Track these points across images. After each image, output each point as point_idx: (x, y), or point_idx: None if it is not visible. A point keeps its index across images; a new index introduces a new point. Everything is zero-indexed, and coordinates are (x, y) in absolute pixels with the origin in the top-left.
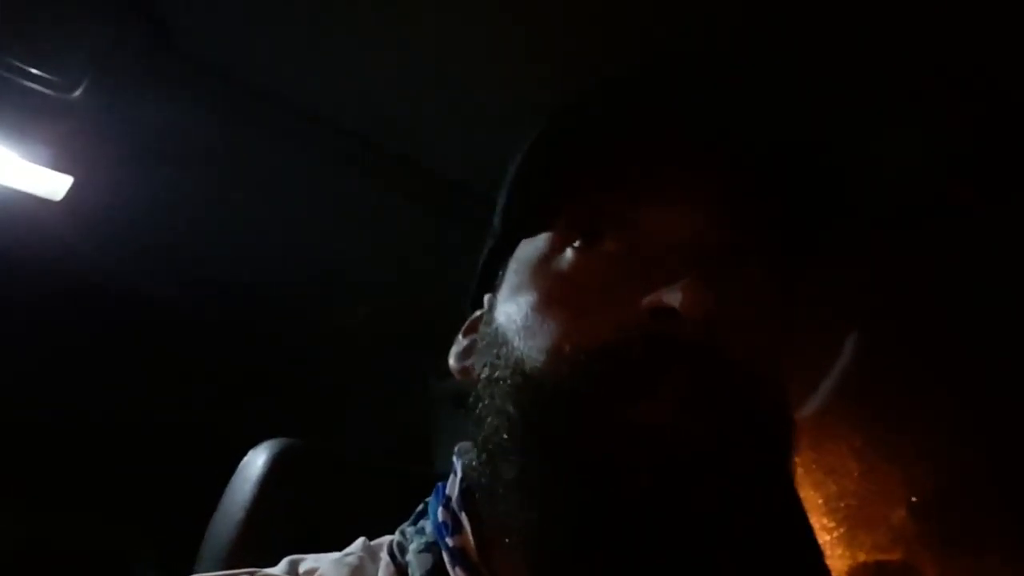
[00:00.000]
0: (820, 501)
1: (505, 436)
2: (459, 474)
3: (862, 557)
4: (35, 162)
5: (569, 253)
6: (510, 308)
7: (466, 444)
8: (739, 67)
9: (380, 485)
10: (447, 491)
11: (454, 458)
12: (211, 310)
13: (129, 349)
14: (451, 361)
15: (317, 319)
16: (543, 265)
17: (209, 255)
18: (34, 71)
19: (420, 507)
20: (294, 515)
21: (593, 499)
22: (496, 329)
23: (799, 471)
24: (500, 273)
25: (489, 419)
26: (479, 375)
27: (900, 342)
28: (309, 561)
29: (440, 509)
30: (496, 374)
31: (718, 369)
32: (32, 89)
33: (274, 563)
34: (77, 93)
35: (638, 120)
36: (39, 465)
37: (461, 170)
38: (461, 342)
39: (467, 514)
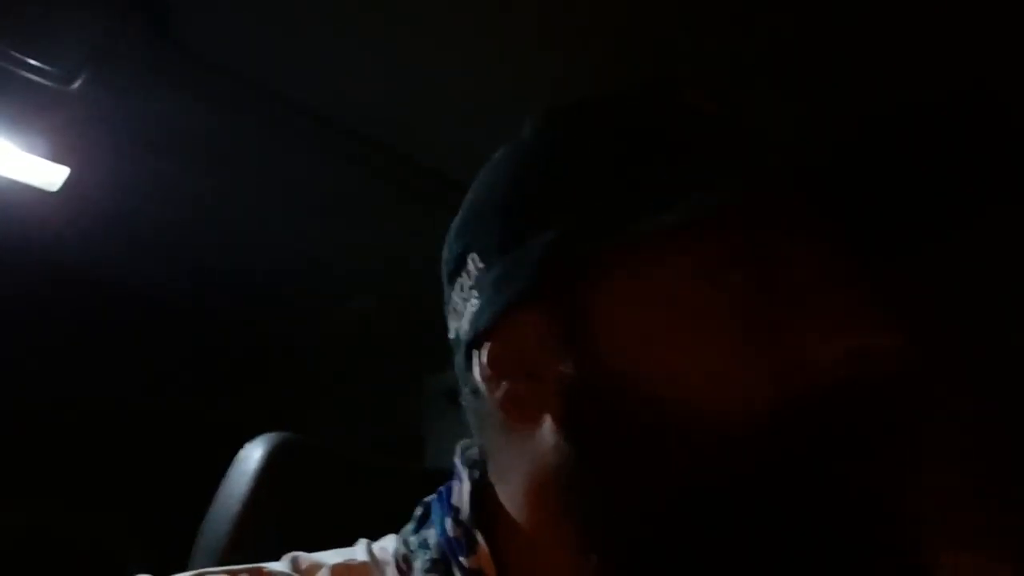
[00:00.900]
0: None
1: (684, 516)
2: (465, 482)
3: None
4: (32, 153)
5: (737, 291)
6: (649, 354)
7: (469, 446)
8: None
9: (375, 481)
10: (453, 500)
11: (457, 461)
12: (206, 302)
13: (123, 339)
14: (494, 405)
15: (311, 312)
16: (703, 302)
17: (205, 247)
18: (33, 62)
19: (419, 510)
20: (290, 510)
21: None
22: (624, 378)
23: None
24: (570, 298)
25: (635, 494)
26: (584, 432)
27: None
28: (311, 559)
29: (449, 522)
30: (649, 442)
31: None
32: (30, 80)
33: (270, 558)
34: (76, 85)
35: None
36: (31, 455)
37: (459, 166)
38: (504, 383)
39: (481, 530)
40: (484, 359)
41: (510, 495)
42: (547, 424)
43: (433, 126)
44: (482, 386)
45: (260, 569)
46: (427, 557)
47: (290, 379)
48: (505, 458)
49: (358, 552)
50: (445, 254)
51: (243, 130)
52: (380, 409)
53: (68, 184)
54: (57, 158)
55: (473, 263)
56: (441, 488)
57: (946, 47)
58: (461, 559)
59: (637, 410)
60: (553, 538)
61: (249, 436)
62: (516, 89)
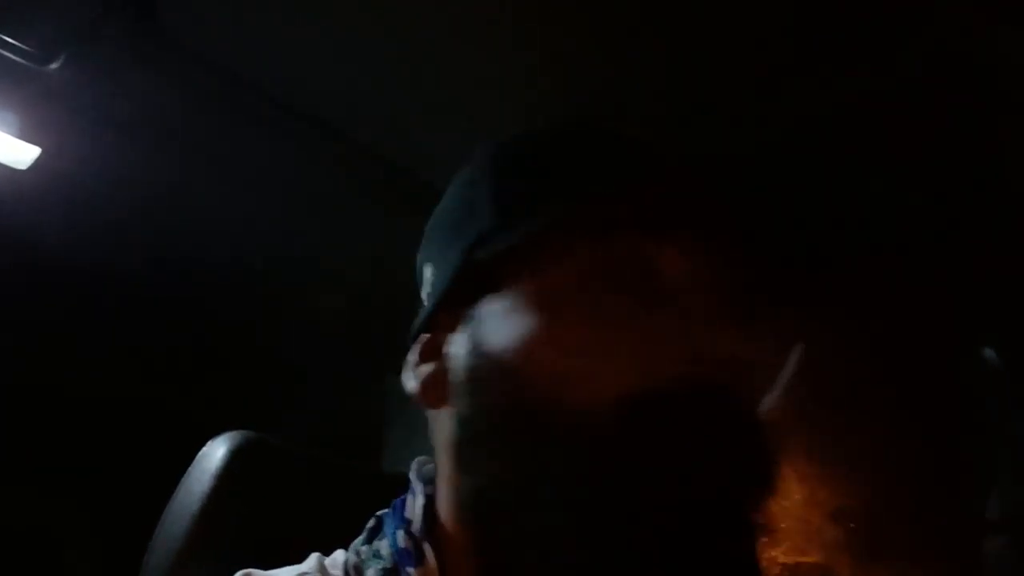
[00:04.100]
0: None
1: (537, 492)
2: (419, 496)
3: (781, 559)
4: (3, 131)
5: (593, 290)
6: (514, 345)
7: (426, 462)
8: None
9: (336, 483)
10: (406, 513)
11: (412, 476)
12: (171, 290)
13: (82, 323)
14: (413, 388)
15: (277, 307)
16: (562, 300)
17: (172, 234)
18: (11, 40)
19: (372, 522)
20: (251, 510)
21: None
22: (485, 363)
23: None
24: (473, 298)
25: (500, 467)
26: (467, 412)
27: (840, 361)
28: None
29: (401, 534)
30: (508, 421)
31: (757, 422)
32: (7, 58)
33: (228, 559)
34: (54, 65)
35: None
36: None
37: (427, 167)
38: (422, 368)
39: (430, 543)
40: (415, 353)
41: (438, 488)
42: (447, 407)
43: (410, 129)
44: (413, 374)
45: None
46: (379, 567)
47: (251, 373)
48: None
49: (309, 565)
50: (417, 266)
51: (219, 120)
52: (341, 407)
53: (38, 164)
54: (28, 137)
55: (428, 273)
56: (395, 501)
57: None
58: (409, 569)
59: (508, 394)
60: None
61: (208, 428)
62: (490, 92)
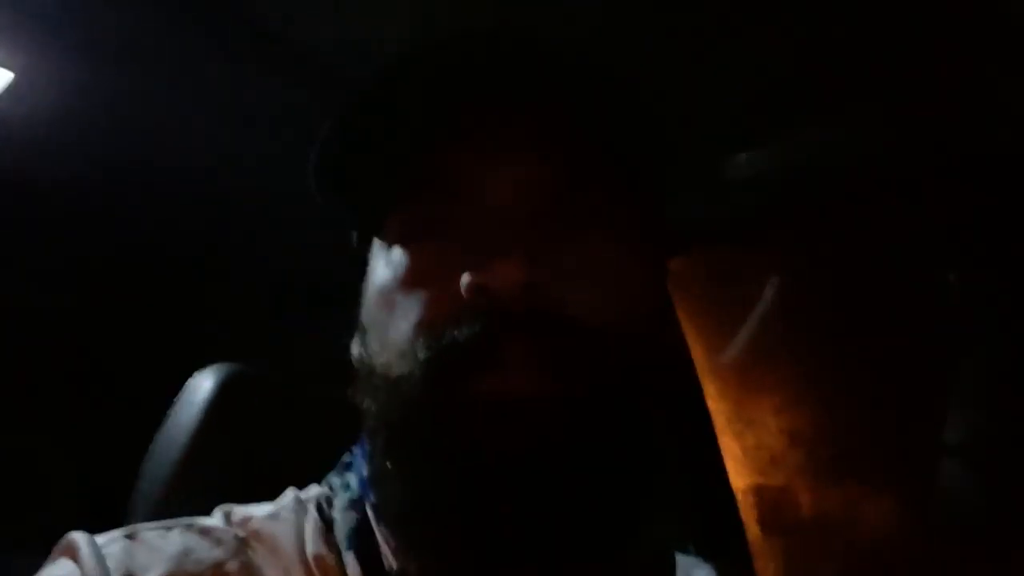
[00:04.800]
0: (739, 451)
1: (375, 430)
2: None
3: (742, 482)
4: None
5: (401, 244)
6: (367, 304)
7: None
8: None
9: (323, 413)
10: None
11: None
12: (152, 217)
13: (62, 250)
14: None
15: (265, 237)
16: (381, 261)
17: (149, 160)
18: None
19: (346, 457)
20: (238, 442)
21: (457, 480)
22: (362, 325)
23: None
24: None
25: (365, 413)
26: (356, 366)
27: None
28: (243, 512)
29: (365, 466)
30: (364, 368)
31: (553, 332)
32: None
33: (217, 491)
34: None
35: (445, 89)
36: None
37: None
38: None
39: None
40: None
41: None
42: None
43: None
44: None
45: (193, 523)
46: (347, 497)
47: (238, 301)
48: None
49: (285, 500)
50: None
51: (199, 43)
52: (320, 338)
53: (11, 89)
54: (1, 62)
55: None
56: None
57: None
58: (372, 497)
59: (367, 346)
60: None
61: (183, 361)
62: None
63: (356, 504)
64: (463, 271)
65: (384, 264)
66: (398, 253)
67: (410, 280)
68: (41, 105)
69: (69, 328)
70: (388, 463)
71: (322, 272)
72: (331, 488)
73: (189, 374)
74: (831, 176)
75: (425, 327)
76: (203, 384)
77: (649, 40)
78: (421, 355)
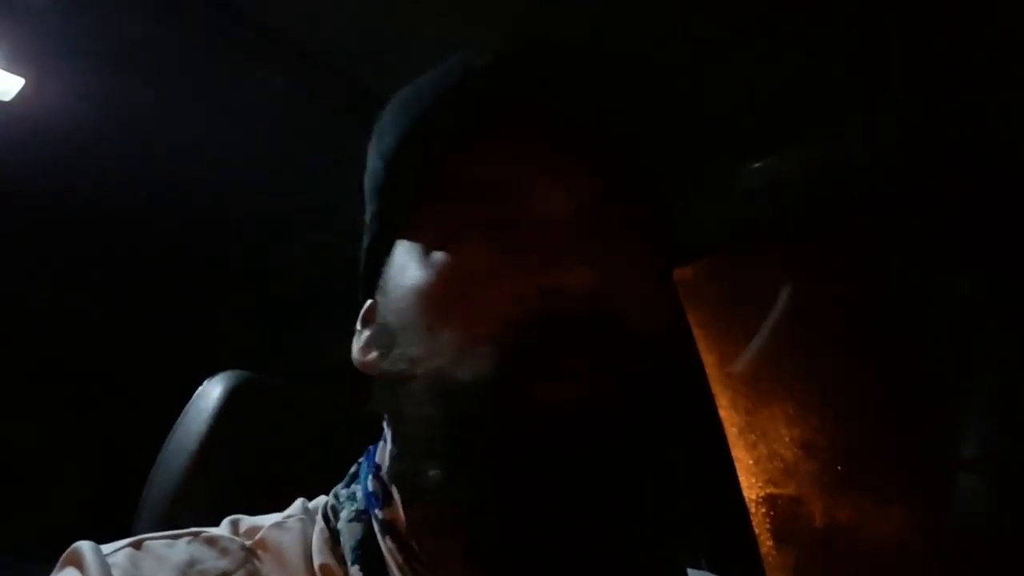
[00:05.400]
0: (751, 462)
1: (425, 437)
2: (389, 442)
3: (756, 492)
4: None
5: (444, 244)
6: (401, 306)
7: None
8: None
9: (333, 422)
10: (377, 458)
11: (384, 424)
12: (160, 222)
13: (70, 255)
14: (354, 354)
15: (271, 239)
16: (428, 259)
17: (158, 165)
18: None
19: (354, 468)
20: (247, 450)
21: (518, 486)
22: (390, 327)
23: (734, 431)
24: (384, 265)
25: (406, 420)
26: (384, 371)
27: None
28: (249, 522)
29: (371, 478)
30: (402, 373)
31: (614, 340)
32: None
33: (226, 500)
34: None
35: (504, 102)
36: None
37: None
38: (362, 334)
39: (397, 486)
40: (360, 319)
41: None
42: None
43: (399, 65)
44: (356, 340)
45: (200, 533)
46: (352, 508)
47: (249, 308)
48: None
49: (293, 512)
50: None
51: (208, 50)
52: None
53: (23, 95)
54: (12, 68)
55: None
56: (370, 447)
57: None
58: (377, 512)
59: (397, 360)
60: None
61: (206, 364)
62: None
63: (361, 516)
64: (526, 276)
65: (422, 264)
66: (442, 254)
67: (464, 282)
68: (51, 110)
69: (78, 335)
70: (440, 472)
71: (335, 280)
72: (337, 499)
73: (199, 382)
74: (844, 187)
75: (490, 332)
76: (213, 392)
77: (670, 49)
78: (486, 361)
